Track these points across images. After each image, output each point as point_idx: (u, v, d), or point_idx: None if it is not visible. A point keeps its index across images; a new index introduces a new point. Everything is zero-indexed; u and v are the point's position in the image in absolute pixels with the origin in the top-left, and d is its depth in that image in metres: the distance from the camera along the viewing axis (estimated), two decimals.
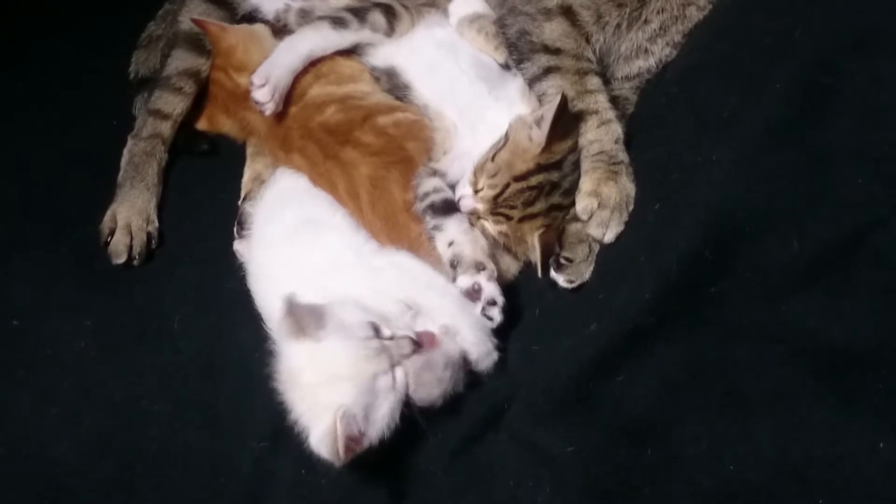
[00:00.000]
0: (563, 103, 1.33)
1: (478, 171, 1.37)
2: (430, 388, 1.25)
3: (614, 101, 1.45)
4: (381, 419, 1.20)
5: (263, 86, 1.49)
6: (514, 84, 1.48)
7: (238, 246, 1.51)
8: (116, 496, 1.30)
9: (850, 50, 1.20)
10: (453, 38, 1.55)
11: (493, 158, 1.36)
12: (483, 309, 1.32)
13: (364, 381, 1.20)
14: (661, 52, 1.47)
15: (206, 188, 1.64)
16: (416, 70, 1.54)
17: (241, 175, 1.62)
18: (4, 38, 1.85)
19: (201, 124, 1.65)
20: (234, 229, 1.53)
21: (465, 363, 1.30)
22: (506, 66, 1.50)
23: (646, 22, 1.44)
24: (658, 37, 1.46)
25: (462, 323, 1.30)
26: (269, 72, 1.51)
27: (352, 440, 1.16)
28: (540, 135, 1.33)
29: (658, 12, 1.43)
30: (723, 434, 1.17)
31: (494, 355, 1.32)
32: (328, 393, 1.20)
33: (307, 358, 1.22)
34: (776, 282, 1.17)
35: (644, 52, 1.47)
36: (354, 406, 1.18)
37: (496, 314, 1.32)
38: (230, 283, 1.47)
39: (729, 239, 1.19)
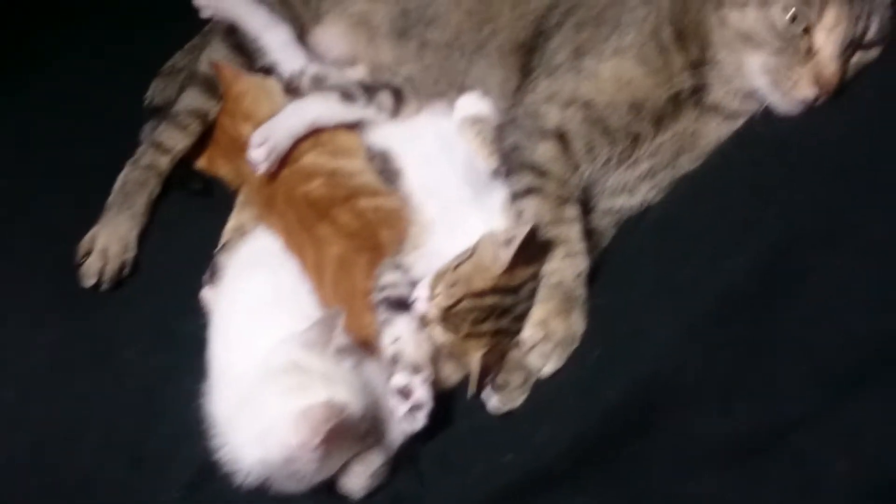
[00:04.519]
0: (532, 232, 1.33)
1: (438, 276, 1.37)
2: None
3: (590, 233, 1.44)
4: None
5: (261, 145, 1.52)
6: (500, 195, 1.47)
7: (206, 293, 1.53)
8: None
9: (818, 243, 1.19)
10: (453, 134, 1.55)
11: (455, 268, 1.36)
12: (409, 409, 1.32)
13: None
14: (646, 193, 1.47)
15: (191, 228, 1.65)
16: (412, 157, 1.55)
17: (227, 222, 1.63)
18: (28, 48, 1.90)
19: (201, 163, 1.69)
20: (206, 276, 1.54)
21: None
22: (495, 175, 1.50)
23: (636, 163, 1.44)
24: (646, 179, 1.46)
25: None
26: (270, 133, 1.54)
27: (336, 430, 1.20)
28: (505, 256, 1.33)
29: (650, 156, 1.44)
30: None
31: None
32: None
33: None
34: (692, 454, 1.16)
35: (629, 191, 1.47)
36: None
37: (420, 418, 1.32)
38: (190, 327, 1.48)
39: (655, 402, 1.18)
